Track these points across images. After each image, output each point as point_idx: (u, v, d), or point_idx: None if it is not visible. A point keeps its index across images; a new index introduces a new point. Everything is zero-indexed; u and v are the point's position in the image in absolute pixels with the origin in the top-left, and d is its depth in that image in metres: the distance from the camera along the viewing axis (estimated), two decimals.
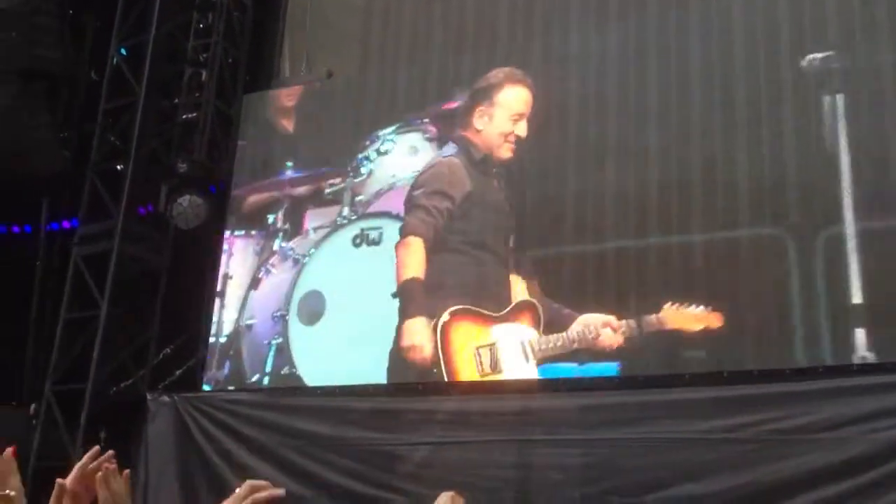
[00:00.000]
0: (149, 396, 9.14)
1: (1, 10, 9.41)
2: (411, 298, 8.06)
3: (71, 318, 9.51)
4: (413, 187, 8.46)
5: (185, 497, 8.69)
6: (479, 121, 8.28)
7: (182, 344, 9.42)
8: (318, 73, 9.35)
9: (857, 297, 6.55)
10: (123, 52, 9.72)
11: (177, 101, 9.34)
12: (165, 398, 9.05)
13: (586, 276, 7.70)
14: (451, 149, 8.43)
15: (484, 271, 8.11)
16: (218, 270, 9.17)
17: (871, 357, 6.44)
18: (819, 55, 7.23)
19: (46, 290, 9.90)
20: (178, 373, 9.29)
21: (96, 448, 2.28)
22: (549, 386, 7.51)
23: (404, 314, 8.05)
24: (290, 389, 8.69)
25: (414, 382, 8.07)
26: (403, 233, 8.35)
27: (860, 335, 6.51)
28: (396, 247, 8.36)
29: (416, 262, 8.14)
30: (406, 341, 7.98)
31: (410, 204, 8.39)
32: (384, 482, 7.67)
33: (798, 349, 6.73)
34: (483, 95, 8.39)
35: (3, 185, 10.23)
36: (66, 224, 10.18)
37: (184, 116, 9.17)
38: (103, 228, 9.45)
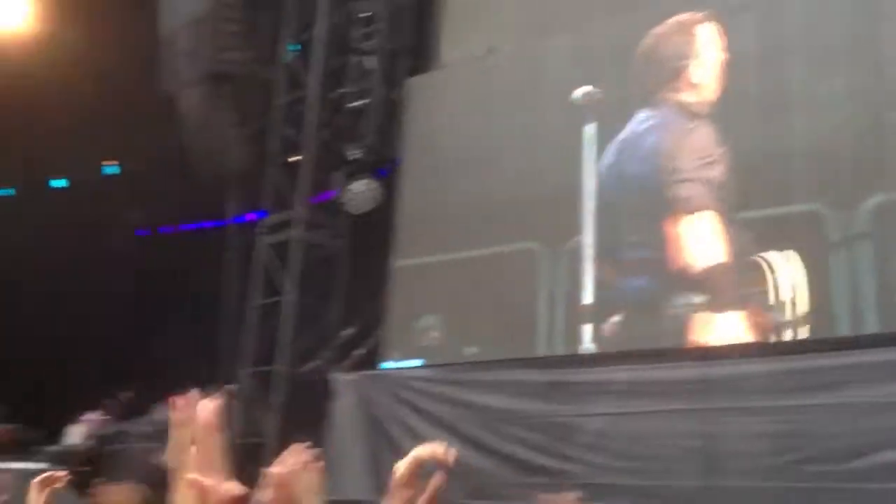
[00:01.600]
0: (333, 376, 9.57)
1: (191, 20, 10.10)
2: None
3: (260, 305, 10.09)
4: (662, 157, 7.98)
5: (372, 472, 9.03)
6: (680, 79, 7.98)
7: (364, 324, 9.77)
8: (479, 51, 9.38)
9: None
10: (293, 48, 10.20)
11: (345, 90, 9.69)
12: (349, 377, 9.45)
13: None
14: (666, 113, 8.11)
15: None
16: (393, 252, 9.46)
17: None
18: None
19: (237, 279, 10.55)
20: (360, 352, 9.64)
21: (300, 445, 2.31)
22: (732, 351, 7.21)
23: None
24: (467, 364, 8.82)
25: (588, 353, 7.99)
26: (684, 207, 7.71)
27: None
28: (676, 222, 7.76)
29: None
30: None
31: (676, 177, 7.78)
32: (561, 452, 7.64)
33: None
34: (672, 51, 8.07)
35: (194, 183, 10.98)
36: (251, 216, 10.81)
37: (352, 104, 9.51)
38: (285, 218, 9.96)
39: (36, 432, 12.71)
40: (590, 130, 8.42)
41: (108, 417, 11.38)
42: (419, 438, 8.71)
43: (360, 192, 9.11)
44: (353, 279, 9.88)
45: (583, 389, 7.74)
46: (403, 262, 9.44)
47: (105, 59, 11.52)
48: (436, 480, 1.37)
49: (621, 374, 7.55)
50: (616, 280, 8.06)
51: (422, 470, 1.32)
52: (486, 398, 8.33)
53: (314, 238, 9.93)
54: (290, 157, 10.08)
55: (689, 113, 7.93)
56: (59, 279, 14.07)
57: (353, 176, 9.25)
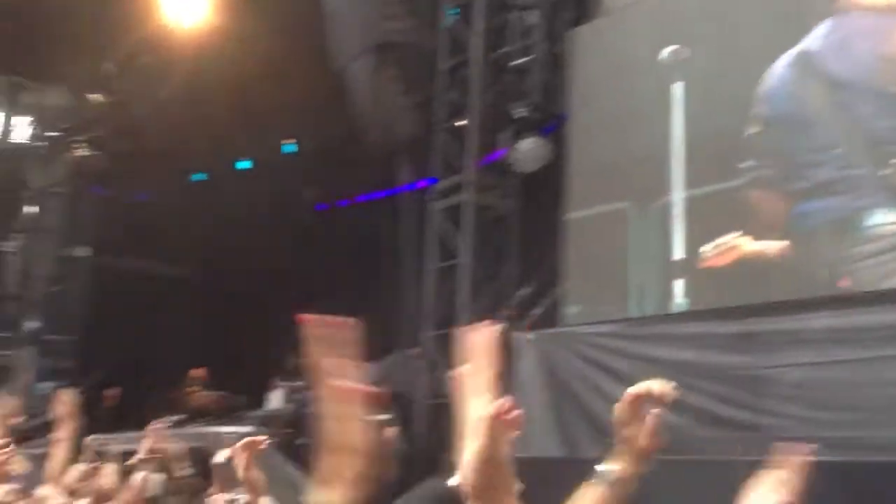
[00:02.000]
0: (514, 336, 9.64)
1: None
2: None
3: (436, 269, 10.29)
4: None
5: (559, 427, 9.05)
6: None
7: (541, 282, 9.76)
8: None
9: None
10: (453, 12, 10.21)
11: (507, 49, 9.61)
12: (530, 336, 9.48)
13: None
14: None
15: None
16: (565, 209, 9.34)
17: None
18: None
19: (414, 245, 10.82)
20: (539, 311, 9.64)
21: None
22: None
23: None
24: (650, 318, 8.63)
25: (780, 301, 7.60)
26: None
27: None
28: None
29: None
30: None
31: None
32: (756, 406, 7.34)
33: None
34: None
35: (366, 155, 11.31)
36: (422, 183, 11.02)
37: (515, 62, 9.42)
38: (455, 182, 10.07)
39: (240, 399, 13.70)
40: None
41: (304, 382, 12.04)
42: (604, 395, 8.67)
43: (529, 151, 9.05)
44: (526, 238, 9.87)
45: (778, 339, 7.37)
46: (576, 214, 9.35)
47: (277, 44, 12.00)
48: (653, 418, 1.34)
49: (820, 321, 7.13)
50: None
51: (641, 408, 1.30)
52: (674, 352, 8.12)
53: (485, 200, 9.98)
54: (457, 121, 10.15)
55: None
56: (251, 256, 14.97)
57: (520, 135, 9.19)
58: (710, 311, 8.05)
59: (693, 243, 8.38)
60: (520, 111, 9.20)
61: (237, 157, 15.39)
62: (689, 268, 8.26)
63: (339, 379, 1.03)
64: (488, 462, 1.11)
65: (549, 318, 9.56)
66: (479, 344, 1.16)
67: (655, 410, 1.35)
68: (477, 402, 1.16)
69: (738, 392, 7.49)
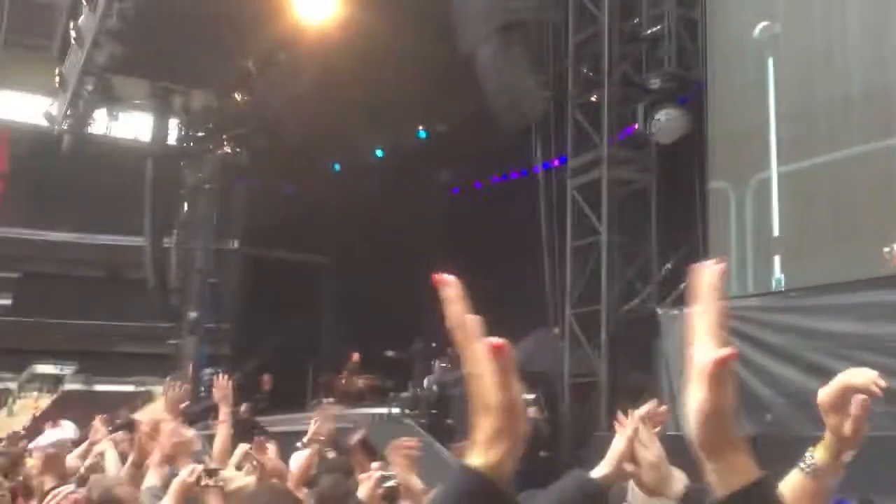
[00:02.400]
0: (659, 311, 9.44)
1: None
2: None
3: (576, 246, 10.18)
4: None
5: None
6: None
7: (683, 256, 9.50)
8: None
9: None
10: None
11: (638, 19, 9.34)
12: (675, 311, 9.25)
13: None
14: None
15: None
16: (705, 180, 9.06)
17: None
18: None
19: (552, 224, 10.73)
20: (683, 286, 9.38)
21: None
22: None
23: None
24: (804, 290, 8.26)
25: None
26: None
27: None
28: None
29: None
30: None
31: None
32: None
33: None
34: None
35: (498, 135, 11.29)
36: (557, 161, 10.89)
37: (648, 31, 9.14)
38: (591, 158, 9.91)
39: (388, 382, 14.09)
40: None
41: (448, 365, 12.24)
42: (756, 369, 8.35)
43: (667, 122, 8.78)
44: (666, 211, 9.61)
45: None
46: (717, 184, 9.04)
47: (405, 33, 12.13)
48: (860, 408, 1.27)
49: None
50: None
51: (846, 399, 1.24)
52: (830, 324, 7.75)
53: (622, 174, 9.77)
54: (589, 96, 9.96)
55: None
56: (391, 242, 15.30)
57: (656, 106, 8.94)
58: (868, 281, 7.62)
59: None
60: (654, 82, 8.93)
61: (373, 146, 15.71)
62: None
63: (480, 337, 1.02)
64: (715, 415, 1.06)
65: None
66: (705, 283, 1.09)
67: (862, 398, 1.28)
68: (700, 348, 1.09)
69: None
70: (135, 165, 17.56)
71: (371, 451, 5.30)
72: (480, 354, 1.03)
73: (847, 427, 1.29)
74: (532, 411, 9.97)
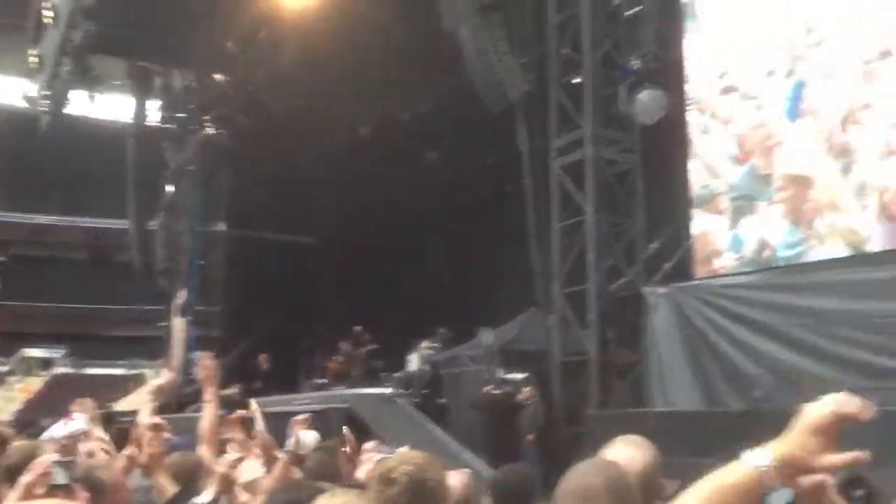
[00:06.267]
0: (645, 290, 9.54)
1: None
2: None
3: (562, 227, 10.23)
4: None
5: (698, 380, 8.95)
6: None
7: (669, 235, 9.58)
8: None
9: None
10: None
11: (618, 1, 9.31)
12: (662, 290, 9.35)
13: None
14: None
15: None
16: (686, 160, 9.11)
17: None
18: None
19: (538, 204, 10.75)
20: (668, 265, 9.49)
21: None
22: None
23: None
24: (786, 269, 8.37)
25: None
26: None
27: None
28: None
29: None
30: None
31: None
32: None
33: None
34: None
35: (482, 116, 11.26)
36: (541, 141, 10.87)
37: (628, 13, 9.12)
38: (575, 138, 9.92)
39: (379, 363, 14.17)
40: None
41: (438, 345, 12.34)
42: (743, 346, 8.48)
43: (647, 103, 8.80)
44: (651, 191, 9.67)
45: None
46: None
47: (388, 10, 12.01)
48: (860, 456, 1.22)
49: None
50: None
51: (839, 424, 1.19)
52: (816, 301, 7.88)
53: (606, 154, 9.80)
54: (572, 77, 9.95)
55: None
56: (380, 223, 15.30)
57: (637, 86, 8.95)
58: (853, 258, 7.73)
59: None
60: (635, 62, 8.93)
61: (358, 124, 15.63)
62: None
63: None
64: None
65: (682, 271, 9.40)
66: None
67: (865, 452, 1.23)
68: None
69: (889, 339, 7.20)
70: (116, 147, 17.43)
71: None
72: None
73: (829, 461, 1.22)
74: (526, 391, 10.11)
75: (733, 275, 8.82)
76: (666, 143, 9.34)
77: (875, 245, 7.72)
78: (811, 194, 8.20)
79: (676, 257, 9.41)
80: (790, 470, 1.21)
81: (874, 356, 7.28)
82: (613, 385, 9.69)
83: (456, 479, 2.97)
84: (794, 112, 8.38)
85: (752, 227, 8.76)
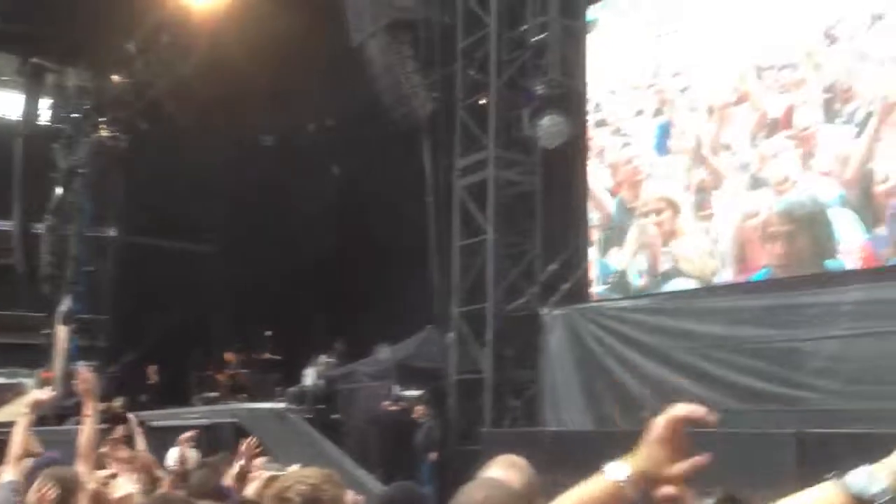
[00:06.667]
0: (542, 311, 9.71)
1: None
2: None
3: (463, 246, 10.33)
4: None
5: (589, 400, 9.16)
6: None
7: (567, 258, 9.79)
8: None
9: None
10: None
11: (525, 27, 9.51)
12: (558, 311, 9.54)
13: None
14: None
15: None
16: (587, 184, 9.36)
17: None
18: None
19: (440, 222, 10.82)
20: (565, 286, 9.68)
21: None
22: None
23: None
24: (677, 293, 8.67)
25: (811, 273, 7.61)
26: None
27: None
28: None
29: None
30: None
31: None
32: (790, 379, 7.38)
33: None
34: None
35: (389, 132, 11.28)
36: (446, 160, 10.96)
37: (533, 39, 9.32)
38: (478, 159, 10.05)
39: (272, 376, 13.92)
40: None
41: (334, 360, 12.23)
42: (634, 369, 8.72)
43: (550, 127, 9.00)
44: (551, 214, 9.87)
45: (806, 312, 7.39)
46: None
47: (295, 20, 11.90)
48: (699, 460, 1.26)
49: (850, 294, 7.12)
50: None
51: (680, 431, 1.23)
52: (697, 326, 8.19)
53: (508, 176, 9.97)
54: (478, 98, 10.09)
55: None
56: (278, 232, 15.06)
57: (540, 111, 9.15)
58: (740, 286, 8.08)
59: None
60: (539, 88, 9.13)
61: (261, 133, 15.40)
62: None
63: None
64: None
65: (578, 293, 9.60)
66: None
67: (705, 455, 1.27)
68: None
69: (772, 366, 7.53)
70: (2, 145, 16.63)
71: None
72: None
73: (676, 469, 1.27)
74: (421, 408, 10.13)
75: (629, 298, 9.07)
76: (566, 167, 9.57)
77: (724, 277, 8.26)
78: (669, 225, 8.65)
79: (573, 279, 9.61)
80: (644, 482, 1.28)
81: (751, 379, 7.61)
82: (508, 403, 9.82)
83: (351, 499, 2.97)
84: (662, 149, 8.84)
85: (618, 257, 9.19)
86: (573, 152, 9.37)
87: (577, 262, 9.62)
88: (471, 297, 10.19)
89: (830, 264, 7.50)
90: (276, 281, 15.05)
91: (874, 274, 7.14)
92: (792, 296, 7.57)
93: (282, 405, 12.09)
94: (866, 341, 6.91)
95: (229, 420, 10.94)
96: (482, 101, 9.99)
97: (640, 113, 9.12)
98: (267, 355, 14.20)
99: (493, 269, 9.83)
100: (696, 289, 8.51)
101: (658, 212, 8.83)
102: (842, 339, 7.07)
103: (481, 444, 8.92)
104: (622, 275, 9.19)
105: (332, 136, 14.16)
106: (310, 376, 12.16)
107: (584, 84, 9.36)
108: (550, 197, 9.85)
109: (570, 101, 9.35)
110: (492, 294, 9.85)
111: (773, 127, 7.97)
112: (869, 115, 7.27)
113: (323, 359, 12.23)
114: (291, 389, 12.43)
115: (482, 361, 9.89)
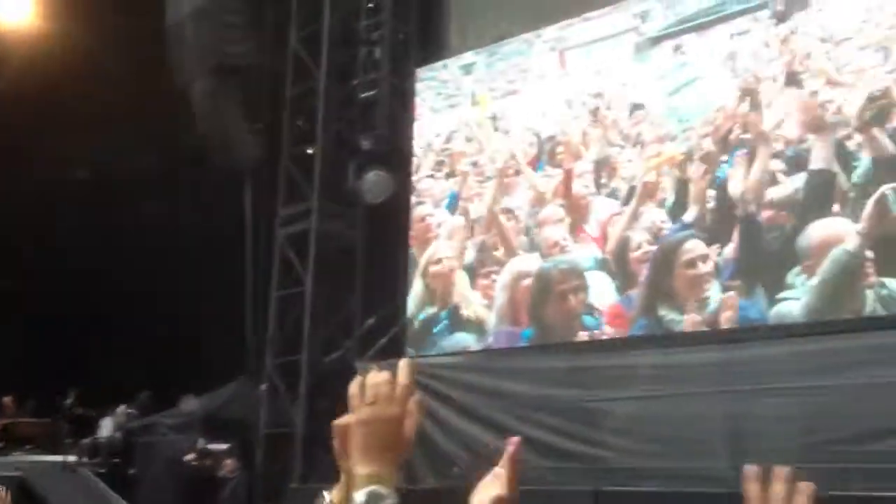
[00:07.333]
0: (358, 365, 9.64)
1: (196, 9, 9.98)
2: None
3: (281, 296, 10.15)
4: None
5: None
6: None
7: (385, 313, 9.82)
8: (488, 38, 9.27)
9: None
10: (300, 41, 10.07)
11: (355, 81, 9.63)
12: (374, 365, 9.49)
13: None
14: None
15: None
16: (409, 242, 9.47)
17: None
18: None
19: (258, 271, 10.60)
20: (383, 341, 9.70)
21: None
22: (756, 334, 7.20)
23: None
24: (489, 352, 8.89)
25: (611, 339, 8.02)
26: None
27: None
28: None
29: None
30: None
31: None
32: (591, 438, 7.69)
33: None
34: None
35: (208, 176, 10.98)
36: (268, 208, 10.79)
37: (363, 95, 9.45)
38: (302, 209, 9.97)
39: (63, 426, 12.91)
40: None
41: (134, 411, 11.54)
42: (444, 425, 8.77)
43: (374, 183, 9.10)
44: (371, 269, 9.91)
45: (606, 374, 7.78)
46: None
47: (114, 53, 11.45)
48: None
49: (647, 358, 7.57)
50: None
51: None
52: (510, 385, 8.40)
53: (331, 228, 9.94)
54: (304, 148, 10.05)
55: None
56: (85, 272, 14.17)
57: (366, 166, 9.24)
58: (543, 347, 8.38)
59: None
60: (365, 143, 9.23)
61: (68, 168, 14.53)
62: None
63: None
64: None
65: (394, 349, 9.63)
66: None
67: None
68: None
69: (571, 424, 7.82)
70: None
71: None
72: None
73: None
74: (228, 463, 9.73)
75: (444, 355, 9.18)
76: (390, 223, 9.65)
77: (498, 341, 8.68)
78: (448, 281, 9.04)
79: (390, 334, 9.64)
80: None
81: (558, 438, 7.86)
82: (320, 459, 9.61)
83: None
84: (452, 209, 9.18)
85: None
86: (397, 207, 9.48)
87: (397, 316, 9.66)
88: (286, 349, 9.99)
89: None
90: (75, 319, 14.08)
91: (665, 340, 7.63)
92: (593, 358, 7.94)
93: (72, 458, 11.23)
94: (662, 402, 7.34)
95: (12, 474, 10.03)
96: (309, 151, 9.96)
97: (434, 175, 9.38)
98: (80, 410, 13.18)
99: (310, 320, 9.69)
100: (507, 349, 8.74)
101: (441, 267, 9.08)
102: (639, 400, 7.48)
103: (289, 501, 8.67)
104: (428, 328, 9.29)
105: (152, 175, 13.60)
106: (106, 427, 11.41)
107: (410, 141, 9.54)
108: (373, 251, 9.90)
109: (396, 157, 9.50)
110: (307, 346, 9.70)
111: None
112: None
113: (122, 409, 11.52)
114: (84, 441, 11.59)
115: (295, 415, 9.66)
